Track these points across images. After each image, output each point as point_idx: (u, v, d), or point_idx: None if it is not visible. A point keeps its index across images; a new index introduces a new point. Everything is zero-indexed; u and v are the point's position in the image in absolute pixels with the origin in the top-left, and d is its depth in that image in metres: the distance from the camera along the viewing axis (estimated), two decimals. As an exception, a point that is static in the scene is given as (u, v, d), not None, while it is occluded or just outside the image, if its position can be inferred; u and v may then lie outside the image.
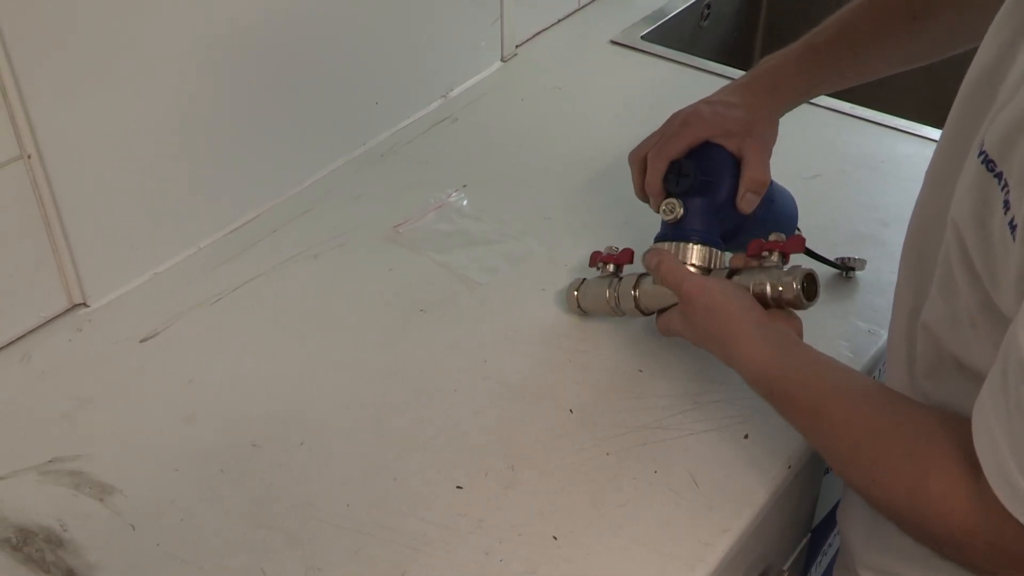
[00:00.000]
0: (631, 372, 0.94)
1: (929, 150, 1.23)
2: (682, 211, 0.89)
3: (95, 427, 0.89)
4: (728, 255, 0.89)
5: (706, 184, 0.89)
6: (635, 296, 0.91)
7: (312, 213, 1.13)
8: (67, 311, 1.00)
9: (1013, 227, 0.59)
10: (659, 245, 0.90)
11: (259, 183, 1.12)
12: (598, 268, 0.96)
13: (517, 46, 1.41)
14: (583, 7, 1.52)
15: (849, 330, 0.98)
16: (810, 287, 0.82)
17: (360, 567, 0.77)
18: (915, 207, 0.79)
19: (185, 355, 0.96)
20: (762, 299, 0.82)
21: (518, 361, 0.95)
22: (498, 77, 1.36)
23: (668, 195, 0.90)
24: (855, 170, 1.19)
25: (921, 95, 1.39)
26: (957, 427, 0.63)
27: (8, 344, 0.96)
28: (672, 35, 1.49)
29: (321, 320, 1.00)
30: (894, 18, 0.91)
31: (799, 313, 0.83)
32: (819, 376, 0.74)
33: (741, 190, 0.89)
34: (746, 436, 0.87)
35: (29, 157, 0.90)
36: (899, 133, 1.25)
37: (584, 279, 0.98)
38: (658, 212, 0.91)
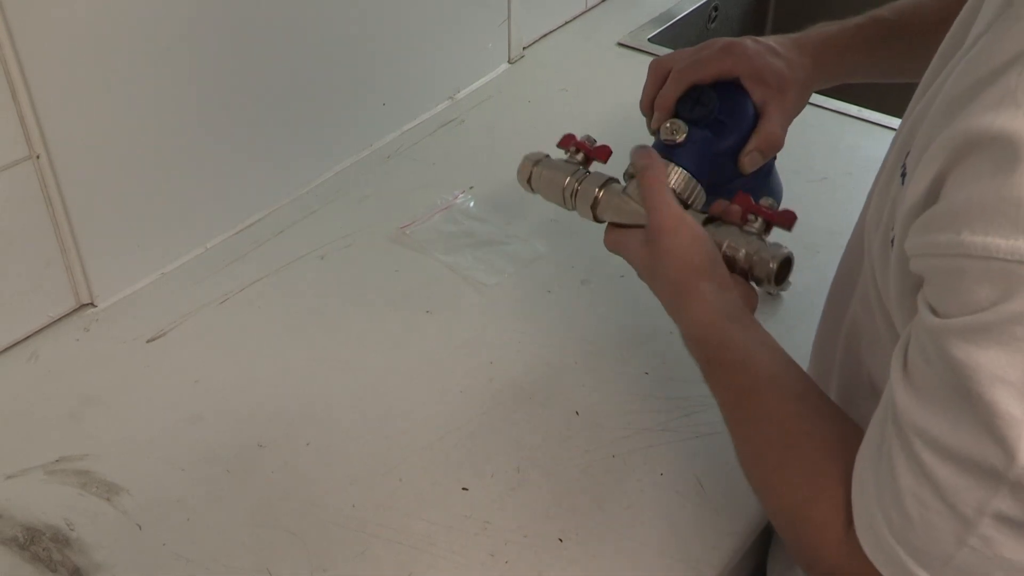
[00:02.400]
0: (637, 374, 0.94)
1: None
2: (683, 138, 0.83)
3: (102, 427, 0.89)
4: (704, 197, 0.84)
5: (719, 124, 0.84)
6: (597, 197, 0.84)
7: (319, 214, 1.13)
8: (75, 311, 1.00)
9: (892, 242, 0.58)
10: (652, 150, 0.84)
11: (266, 184, 1.12)
12: (567, 152, 0.89)
13: (524, 48, 1.41)
14: (590, 9, 1.52)
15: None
16: (783, 271, 0.77)
17: (366, 568, 0.77)
18: (858, 219, 0.76)
19: (192, 355, 0.96)
20: (730, 263, 0.77)
21: (524, 363, 0.95)
22: (505, 79, 1.37)
23: (676, 116, 0.85)
24: (861, 173, 1.19)
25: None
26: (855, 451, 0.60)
27: (16, 343, 0.96)
28: (679, 37, 1.49)
29: (327, 321, 1.00)
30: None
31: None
32: (759, 361, 0.70)
33: (750, 145, 0.84)
34: (752, 439, 0.87)
35: (38, 157, 0.90)
36: (894, 133, 1.25)
37: (547, 155, 0.90)
38: (654, 130, 0.86)
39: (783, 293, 0.99)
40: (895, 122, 1.27)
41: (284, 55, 1.08)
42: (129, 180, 0.98)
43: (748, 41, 0.86)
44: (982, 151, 0.48)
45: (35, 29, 0.86)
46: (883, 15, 0.88)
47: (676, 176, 0.82)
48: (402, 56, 1.22)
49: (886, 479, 0.55)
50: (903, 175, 0.59)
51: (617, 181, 0.85)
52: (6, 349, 0.96)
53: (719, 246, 0.78)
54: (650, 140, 0.88)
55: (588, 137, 0.89)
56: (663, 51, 1.42)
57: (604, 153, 0.88)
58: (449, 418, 0.90)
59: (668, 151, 0.84)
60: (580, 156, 0.88)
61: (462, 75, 1.33)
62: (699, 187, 0.83)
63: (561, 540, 0.79)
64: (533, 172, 0.90)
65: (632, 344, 0.97)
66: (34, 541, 0.79)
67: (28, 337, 0.97)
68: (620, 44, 1.44)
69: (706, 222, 0.80)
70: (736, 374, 0.71)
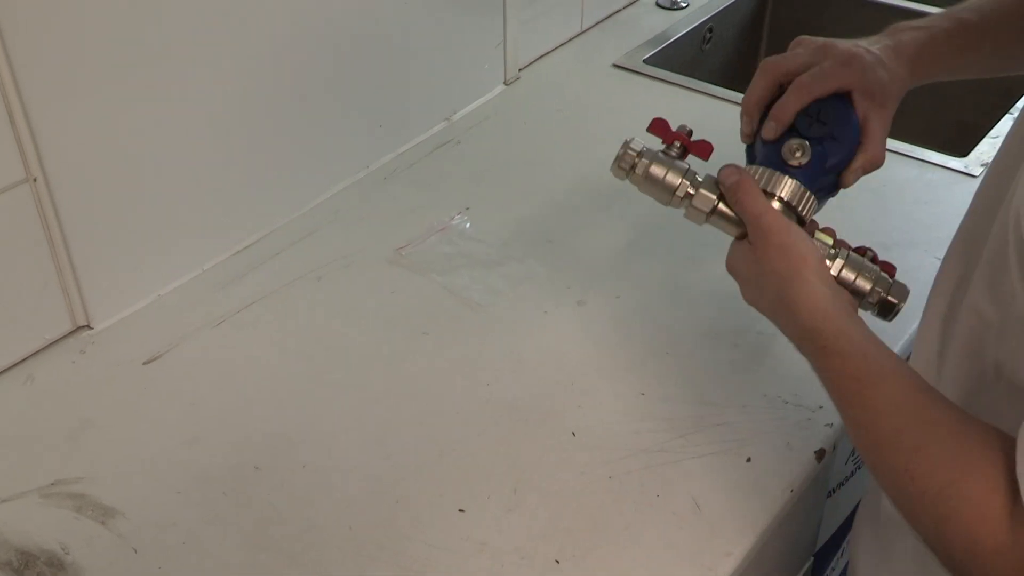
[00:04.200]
0: (633, 395, 0.94)
1: (930, 174, 1.25)
2: (807, 160, 0.81)
3: (98, 449, 0.89)
4: (817, 208, 0.83)
5: (832, 141, 0.82)
6: (716, 206, 0.82)
7: (316, 235, 1.14)
8: (71, 333, 1.00)
9: None
10: (747, 167, 0.83)
11: (263, 205, 1.12)
12: (666, 144, 0.85)
13: (520, 69, 1.42)
14: (585, 31, 1.53)
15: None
16: (891, 308, 0.79)
17: (362, 590, 0.77)
18: (971, 202, 0.75)
19: (188, 377, 0.96)
20: (858, 289, 0.78)
21: (520, 383, 0.95)
22: (501, 100, 1.37)
23: (792, 131, 0.83)
24: (856, 193, 1.17)
25: (923, 119, 1.39)
26: (1005, 441, 0.59)
27: (12, 366, 0.96)
28: (674, 59, 1.50)
29: (324, 342, 1.00)
30: None
31: None
32: (877, 352, 0.69)
33: (856, 163, 0.83)
34: (748, 459, 0.87)
35: (35, 180, 0.91)
36: (900, 157, 1.26)
37: (645, 146, 0.85)
38: (768, 136, 0.84)
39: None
40: (889, 142, 1.27)
41: (280, 77, 1.08)
42: (125, 202, 0.98)
43: (864, 53, 0.84)
44: None
45: (32, 52, 0.86)
46: (967, 17, 0.87)
47: (789, 186, 0.81)
48: (398, 78, 1.22)
49: None
50: None
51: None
52: (2, 372, 0.96)
53: (851, 271, 0.79)
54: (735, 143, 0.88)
55: (684, 127, 0.86)
56: (658, 73, 1.43)
57: (706, 150, 0.85)
58: (445, 439, 0.90)
59: (782, 165, 0.82)
60: (679, 149, 0.85)
61: (458, 97, 1.33)
62: (812, 198, 0.82)
63: (558, 562, 0.79)
64: (638, 163, 0.84)
65: (628, 365, 0.97)
66: (28, 565, 0.79)
67: (24, 360, 0.97)
68: (615, 66, 1.45)
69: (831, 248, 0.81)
70: (857, 361, 0.69)
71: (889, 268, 0.81)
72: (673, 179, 0.83)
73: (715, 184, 0.83)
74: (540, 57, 1.46)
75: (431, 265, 1.09)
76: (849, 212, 1.16)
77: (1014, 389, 0.65)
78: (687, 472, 0.86)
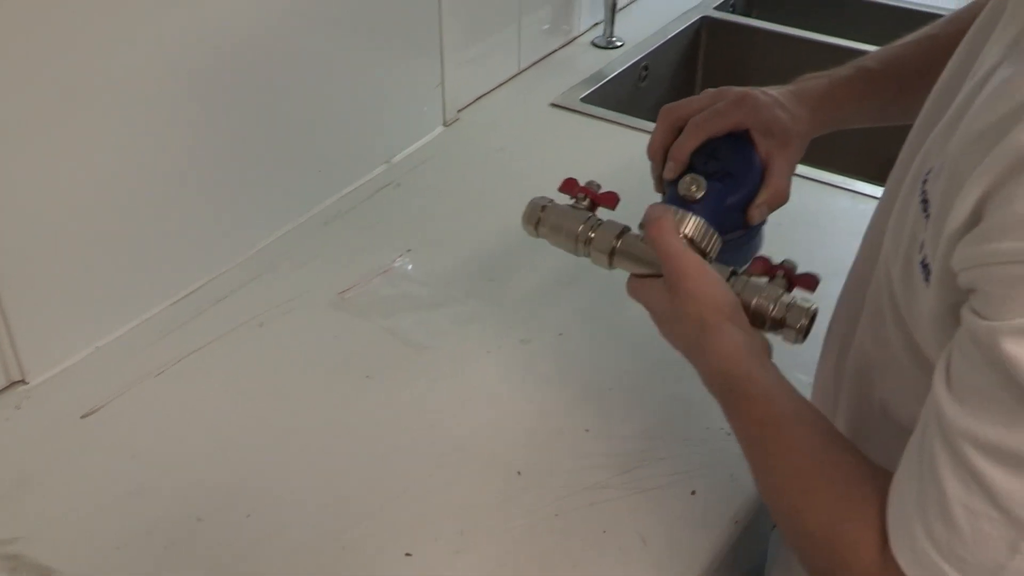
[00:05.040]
0: (578, 432, 0.94)
1: (864, 204, 1.28)
2: (703, 194, 0.83)
3: (35, 507, 0.87)
4: (720, 245, 0.84)
5: (730, 177, 0.85)
6: (615, 247, 0.85)
7: (258, 281, 1.13)
8: (5, 388, 0.98)
9: (925, 267, 0.59)
10: (664, 204, 0.85)
11: (204, 252, 1.12)
12: (573, 198, 0.89)
13: (459, 110, 1.43)
14: (523, 71, 1.55)
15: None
16: (812, 322, 0.79)
17: (309, 641, 0.76)
18: (860, 245, 0.78)
19: (129, 429, 0.95)
20: (760, 313, 0.79)
21: (466, 424, 0.95)
22: (441, 141, 1.38)
23: (691, 169, 0.85)
24: (793, 224, 1.21)
25: (856, 151, 1.42)
26: (888, 482, 0.62)
27: (-55, 424, 0.94)
28: (611, 97, 1.52)
29: (267, 389, 0.99)
30: (943, 61, 0.90)
31: None
32: (783, 395, 0.71)
33: (760, 198, 0.86)
34: (693, 492, 0.88)
35: (-34, 234, 0.89)
36: (834, 188, 1.29)
37: (552, 200, 0.90)
38: (668, 179, 0.87)
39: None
40: (823, 174, 1.30)
41: (219, 123, 1.08)
42: (60, 252, 0.97)
43: (759, 93, 0.88)
44: None
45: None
46: (869, 66, 0.91)
47: (693, 224, 0.83)
48: (337, 122, 1.22)
49: (930, 492, 0.55)
50: (924, 202, 0.60)
51: (630, 229, 0.86)
52: (-65, 430, 0.94)
53: (750, 297, 0.79)
54: (645, 184, 0.89)
55: (592, 182, 0.89)
56: (596, 111, 1.45)
57: (612, 199, 0.88)
58: (391, 483, 0.89)
59: (684, 203, 0.84)
60: (587, 202, 0.88)
61: (398, 139, 1.34)
62: (716, 235, 0.84)
63: (506, 603, 0.79)
64: (541, 217, 0.89)
65: (572, 402, 0.97)
66: (-36, 629, 0.77)
67: (-42, 417, 0.95)
68: (553, 105, 1.47)
69: (731, 275, 0.82)
70: (761, 406, 0.71)
71: (808, 281, 0.81)
72: (573, 225, 0.87)
73: (617, 226, 0.86)
74: (479, 98, 1.47)
75: (374, 308, 1.09)
76: (787, 243, 1.18)
77: (899, 427, 0.67)
78: (633, 507, 0.86)
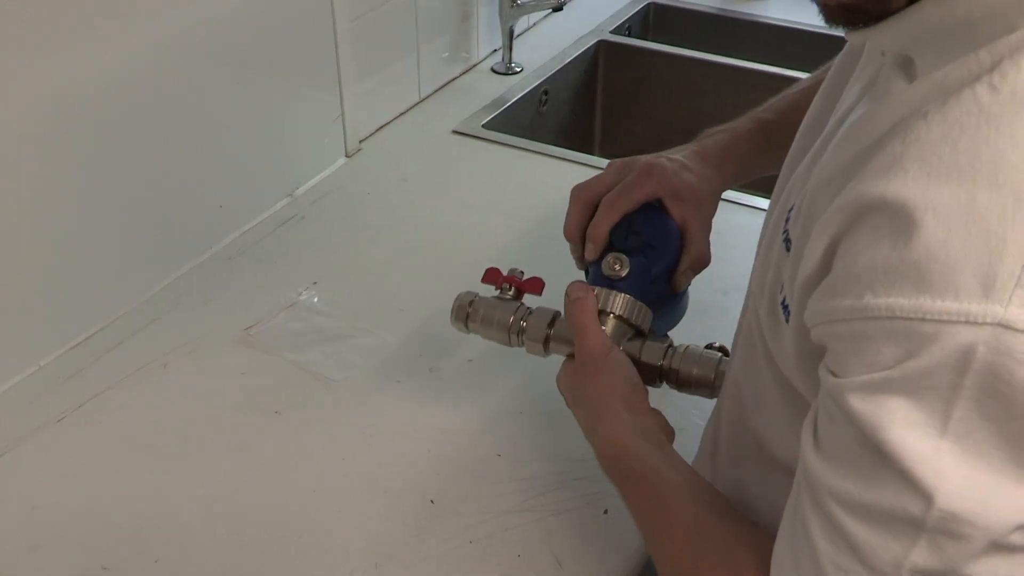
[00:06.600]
0: (490, 457, 0.94)
1: (761, 220, 1.30)
2: (627, 271, 0.84)
3: (-69, 566, 0.84)
4: (651, 317, 0.85)
5: (651, 248, 0.85)
6: (548, 334, 0.86)
7: (160, 321, 1.11)
8: None
9: (786, 308, 0.60)
10: (585, 284, 0.85)
11: (102, 294, 1.09)
12: (499, 289, 0.90)
13: (361, 141, 1.43)
14: (424, 99, 1.55)
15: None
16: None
17: None
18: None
19: (28, 480, 0.92)
20: (701, 381, 0.82)
21: (377, 455, 0.95)
22: (343, 172, 1.38)
23: (611, 247, 0.86)
24: (734, 243, 1.23)
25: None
26: (768, 544, 0.62)
27: None
28: (512, 122, 1.53)
29: (172, 430, 0.97)
30: None
31: None
32: (670, 471, 0.72)
33: (683, 265, 0.87)
34: (605, 511, 0.88)
35: None
36: (733, 204, 1.31)
37: (477, 295, 0.91)
38: (589, 258, 0.87)
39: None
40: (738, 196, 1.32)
41: (110, 163, 1.06)
42: (-50, 303, 0.94)
43: (664, 161, 0.88)
44: (876, 216, 0.50)
45: None
46: (766, 117, 0.92)
47: (622, 302, 0.83)
48: (237, 156, 1.21)
49: (804, 551, 0.55)
50: (786, 240, 0.61)
51: (560, 314, 0.86)
52: None
53: (689, 368, 0.82)
54: (568, 262, 0.91)
55: (515, 270, 0.91)
56: (497, 136, 1.46)
57: (537, 286, 0.90)
58: (304, 519, 0.88)
59: (609, 282, 0.85)
60: (512, 291, 0.90)
61: (300, 172, 1.33)
62: (645, 309, 0.84)
63: (424, 634, 0.79)
64: (470, 312, 0.90)
65: (482, 428, 0.98)
66: None
67: None
68: (455, 132, 1.48)
69: (664, 352, 0.84)
70: (648, 484, 0.72)
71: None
72: (504, 317, 0.88)
73: (547, 313, 0.87)
74: (380, 128, 1.48)
75: (281, 343, 1.08)
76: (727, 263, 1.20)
77: (773, 459, 0.68)
78: (548, 530, 0.87)
